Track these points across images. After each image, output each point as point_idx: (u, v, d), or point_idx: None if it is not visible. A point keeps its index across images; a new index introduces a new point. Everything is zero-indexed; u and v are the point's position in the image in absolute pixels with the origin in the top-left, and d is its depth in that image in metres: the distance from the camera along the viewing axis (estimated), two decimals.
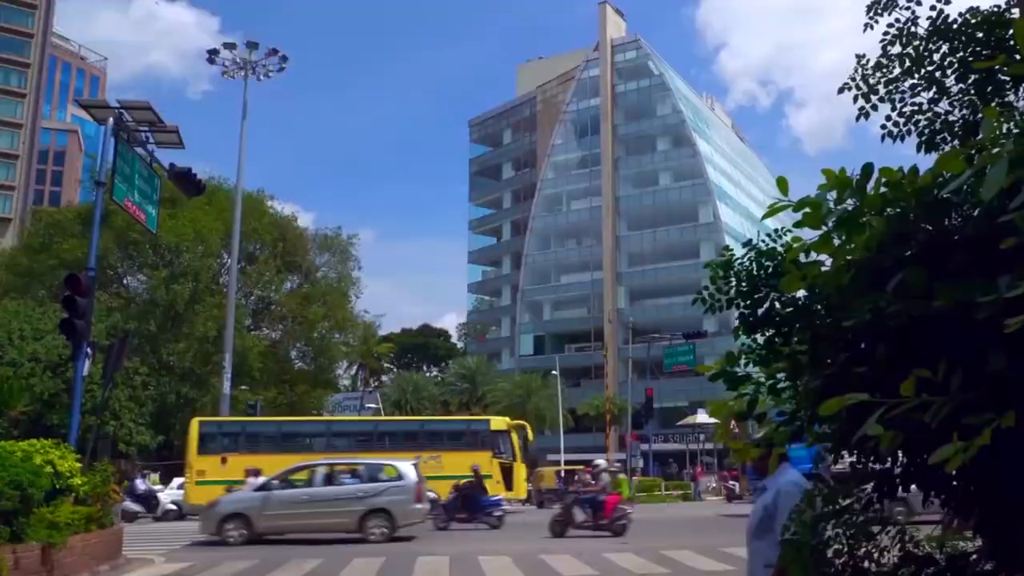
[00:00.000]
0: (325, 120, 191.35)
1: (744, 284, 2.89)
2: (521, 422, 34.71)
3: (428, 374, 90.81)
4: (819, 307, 2.60)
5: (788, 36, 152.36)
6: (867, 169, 2.35)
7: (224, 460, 28.28)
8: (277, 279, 45.24)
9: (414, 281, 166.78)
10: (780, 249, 2.87)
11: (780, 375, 2.72)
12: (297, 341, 48.96)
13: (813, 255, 2.47)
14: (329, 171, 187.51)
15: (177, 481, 32.41)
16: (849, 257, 2.34)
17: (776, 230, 2.93)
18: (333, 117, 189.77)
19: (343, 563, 13.89)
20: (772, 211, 2.54)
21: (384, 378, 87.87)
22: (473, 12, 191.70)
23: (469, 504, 22.07)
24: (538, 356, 75.68)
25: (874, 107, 7.32)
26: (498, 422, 32.51)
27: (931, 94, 7.17)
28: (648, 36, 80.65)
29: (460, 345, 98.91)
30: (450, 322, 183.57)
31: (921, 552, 2.75)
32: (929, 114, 7.14)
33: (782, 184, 2.57)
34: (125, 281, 42.36)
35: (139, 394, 37.16)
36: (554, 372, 59.43)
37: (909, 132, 7.13)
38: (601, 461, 25.50)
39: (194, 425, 30.12)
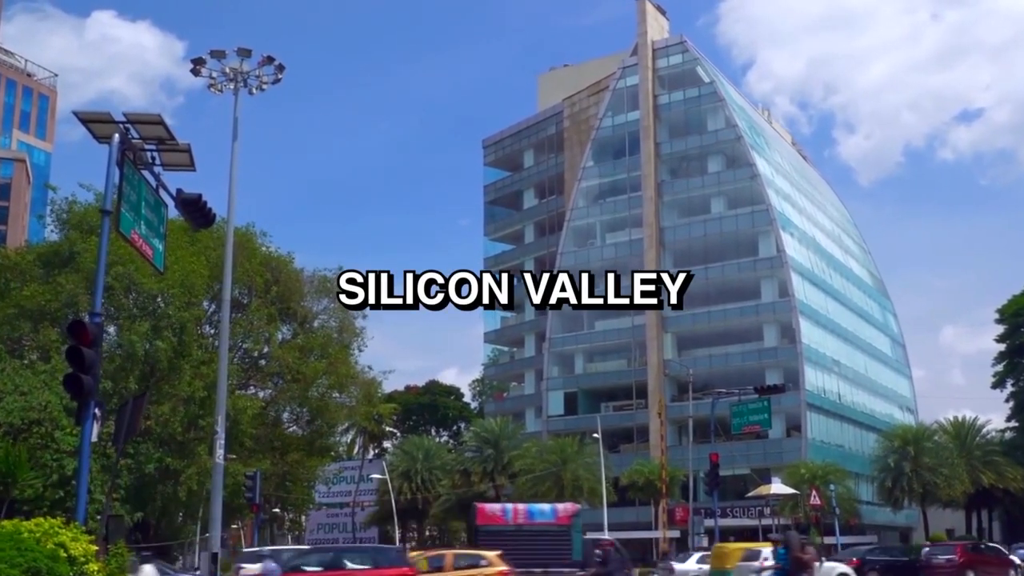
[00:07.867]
0: (309, 143, 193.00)
1: None
2: None
3: (439, 439, 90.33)
4: None
5: (827, 50, 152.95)
6: None
7: None
8: (269, 328, 44.91)
9: (408, 331, 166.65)
10: None
11: None
12: (291, 401, 48.49)
13: None
14: (314, 201, 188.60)
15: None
16: None
17: None
18: (319, 139, 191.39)
19: None
20: None
21: (386, 443, 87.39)
22: (484, 14, 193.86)
23: None
24: (569, 416, 75.17)
25: None
26: None
27: None
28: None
29: (474, 405, 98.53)
30: (451, 378, 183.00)
31: None
32: None
33: None
34: None
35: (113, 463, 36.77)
36: (595, 435, 58.95)
37: None
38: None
39: None
